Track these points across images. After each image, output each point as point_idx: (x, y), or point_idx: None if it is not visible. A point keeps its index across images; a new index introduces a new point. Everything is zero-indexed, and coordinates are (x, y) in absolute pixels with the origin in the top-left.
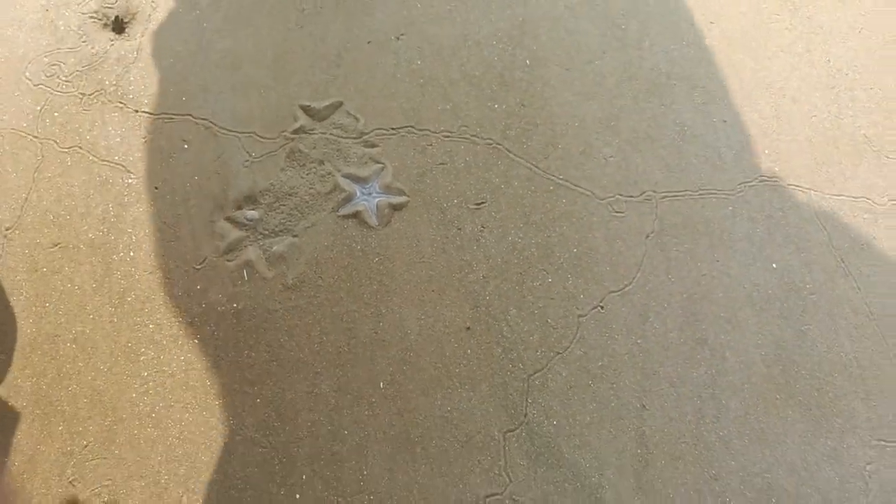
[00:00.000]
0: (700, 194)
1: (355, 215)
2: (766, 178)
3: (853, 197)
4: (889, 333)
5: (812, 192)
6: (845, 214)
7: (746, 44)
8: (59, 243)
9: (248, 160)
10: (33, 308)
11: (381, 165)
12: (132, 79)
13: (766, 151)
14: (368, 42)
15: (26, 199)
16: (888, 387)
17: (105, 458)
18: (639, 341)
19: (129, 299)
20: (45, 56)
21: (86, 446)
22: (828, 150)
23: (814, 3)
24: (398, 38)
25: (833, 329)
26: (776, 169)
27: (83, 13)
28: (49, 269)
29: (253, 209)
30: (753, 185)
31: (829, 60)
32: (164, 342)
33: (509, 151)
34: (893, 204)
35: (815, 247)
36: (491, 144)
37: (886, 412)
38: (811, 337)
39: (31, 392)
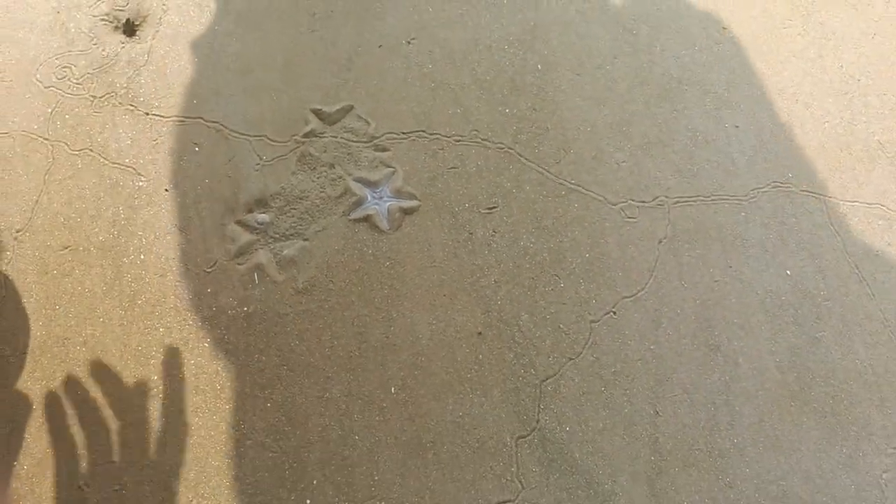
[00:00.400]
0: (713, 200)
1: (366, 219)
2: (778, 184)
3: (867, 203)
4: None
5: (825, 198)
6: (859, 221)
7: (758, 49)
8: (69, 246)
9: (259, 163)
10: (43, 311)
11: (392, 169)
12: (143, 81)
13: (779, 157)
14: (379, 46)
15: (37, 201)
16: None
17: (114, 462)
18: (652, 347)
19: (139, 302)
20: (56, 58)
21: (95, 451)
22: (841, 155)
23: (826, 8)
24: (409, 43)
25: (847, 336)
26: (789, 175)
27: (94, 16)
28: (59, 272)
29: (264, 213)
30: (766, 191)
31: (841, 66)
32: (175, 345)
33: (521, 156)
34: None
35: (829, 253)
36: (502, 149)
37: None
38: (825, 343)
39: (40, 395)
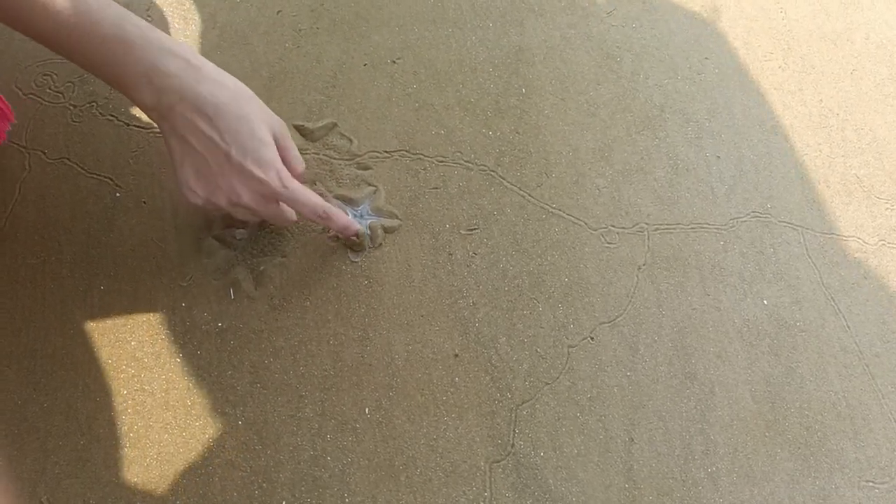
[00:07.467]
0: (692, 228)
1: None
2: (757, 215)
3: (843, 236)
4: (877, 373)
5: (803, 229)
6: (836, 253)
7: (740, 80)
8: (41, 256)
9: None
10: (12, 321)
11: (373, 188)
12: None
13: (758, 188)
14: (364, 64)
15: (11, 210)
16: (876, 427)
17: (79, 477)
18: (628, 374)
19: (111, 315)
20: (37, 66)
21: (59, 465)
22: (819, 188)
23: (807, 43)
24: (394, 62)
25: (822, 367)
26: (768, 205)
27: None
28: (31, 283)
29: (242, 228)
30: (745, 221)
31: (821, 100)
32: (146, 360)
33: (503, 178)
34: (883, 244)
35: (806, 284)
36: (485, 171)
37: (875, 453)
38: (800, 374)
39: (4, 407)
